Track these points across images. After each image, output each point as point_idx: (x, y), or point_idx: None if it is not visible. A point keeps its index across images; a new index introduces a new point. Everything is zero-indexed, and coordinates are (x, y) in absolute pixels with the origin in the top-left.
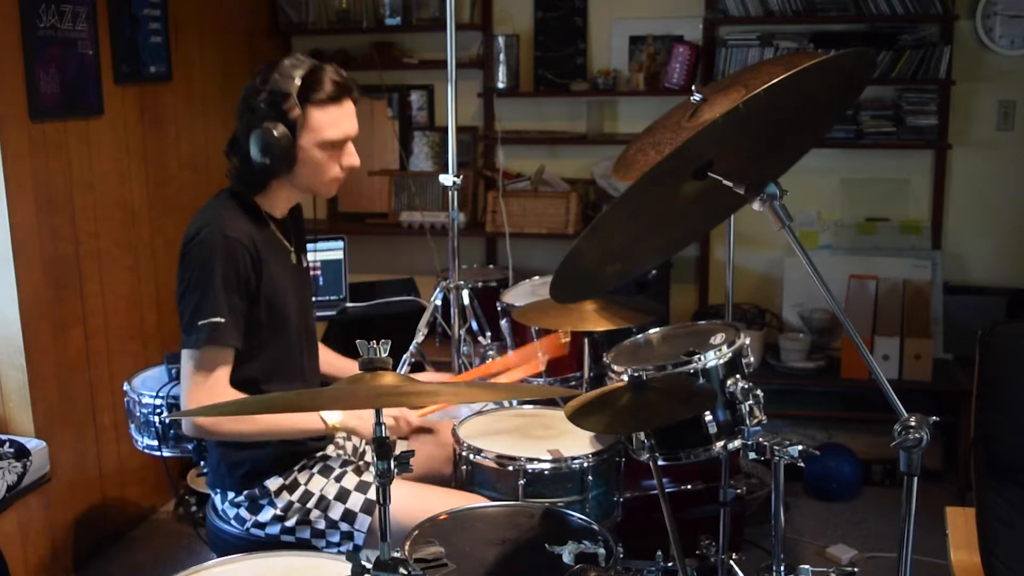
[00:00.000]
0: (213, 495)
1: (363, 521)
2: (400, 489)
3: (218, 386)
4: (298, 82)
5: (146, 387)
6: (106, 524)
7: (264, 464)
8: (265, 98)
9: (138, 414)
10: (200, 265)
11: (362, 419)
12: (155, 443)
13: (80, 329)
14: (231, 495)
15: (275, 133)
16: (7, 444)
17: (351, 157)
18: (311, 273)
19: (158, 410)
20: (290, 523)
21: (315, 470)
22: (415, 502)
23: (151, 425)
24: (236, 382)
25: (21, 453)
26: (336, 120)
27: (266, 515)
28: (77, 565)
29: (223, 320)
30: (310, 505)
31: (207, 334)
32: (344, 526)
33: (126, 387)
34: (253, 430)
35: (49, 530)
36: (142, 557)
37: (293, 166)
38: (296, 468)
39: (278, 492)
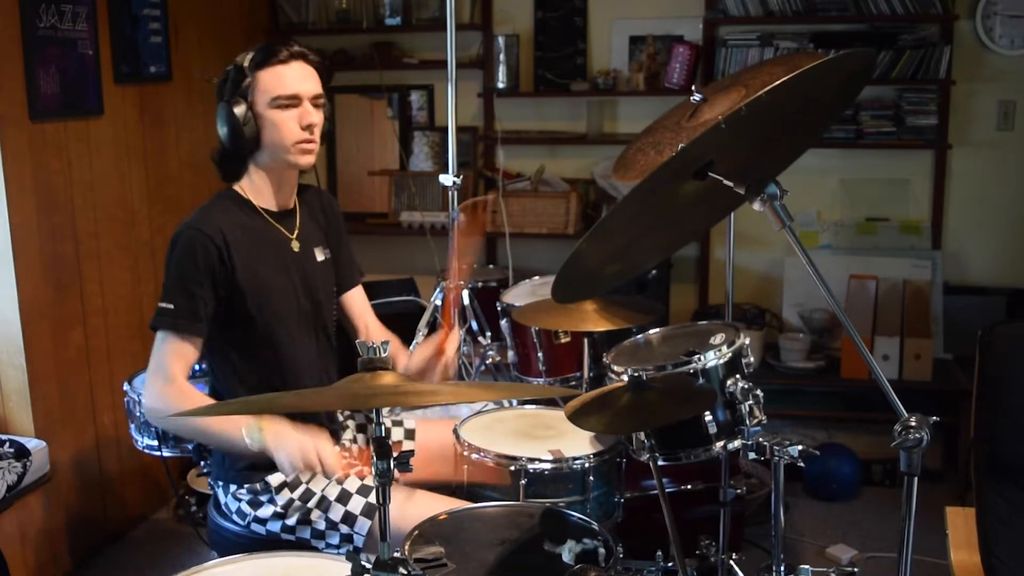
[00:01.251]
0: (216, 489)
1: (363, 524)
2: (400, 494)
3: (170, 371)
4: (251, 55)
5: None
6: (106, 524)
7: (266, 459)
8: (226, 81)
9: (138, 414)
10: (168, 259)
11: (279, 439)
12: (155, 443)
13: (80, 329)
14: (233, 488)
15: (233, 106)
16: (7, 444)
17: (308, 115)
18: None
19: None
20: (290, 521)
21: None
22: (414, 509)
23: (151, 425)
24: (240, 381)
25: (21, 453)
26: (283, 76)
27: (266, 511)
28: (77, 565)
29: (172, 307)
30: (311, 504)
31: (157, 318)
32: (344, 528)
33: (126, 387)
34: (190, 429)
35: (49, 530)
36: (142, 557)
37: (258, 136)
38: None
39: (279, 488)
